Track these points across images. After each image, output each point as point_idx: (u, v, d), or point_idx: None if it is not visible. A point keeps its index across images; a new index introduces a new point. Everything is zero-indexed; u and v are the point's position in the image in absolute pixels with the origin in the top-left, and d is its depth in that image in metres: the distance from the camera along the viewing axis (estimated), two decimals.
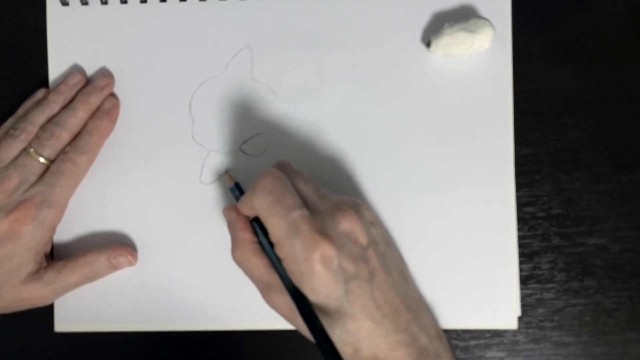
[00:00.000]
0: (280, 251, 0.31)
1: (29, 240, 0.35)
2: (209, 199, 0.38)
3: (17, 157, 0.36)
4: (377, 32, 0.38)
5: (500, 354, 0.38)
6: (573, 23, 0.39)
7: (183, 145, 0.39)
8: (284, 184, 0.31)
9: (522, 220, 0.38)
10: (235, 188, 0.36)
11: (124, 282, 0.38)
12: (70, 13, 0.40)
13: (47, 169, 0.36)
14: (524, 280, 0.38)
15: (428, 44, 0.37)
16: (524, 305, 0.38)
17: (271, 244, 0.32)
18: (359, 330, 0.30)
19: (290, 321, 0.32)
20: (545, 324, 0.38)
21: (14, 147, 0.36)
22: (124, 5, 0.39)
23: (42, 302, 0.37)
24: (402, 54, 0.38)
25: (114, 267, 0.37)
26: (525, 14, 0.39)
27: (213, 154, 0.38)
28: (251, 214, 0.33)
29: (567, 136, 0.38)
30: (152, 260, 0.38)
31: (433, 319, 0.35)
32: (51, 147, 0.36)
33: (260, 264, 0.32)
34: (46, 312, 0.38)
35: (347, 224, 0.31)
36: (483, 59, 0.38)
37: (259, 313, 0.37)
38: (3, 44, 0.40)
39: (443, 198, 0.37)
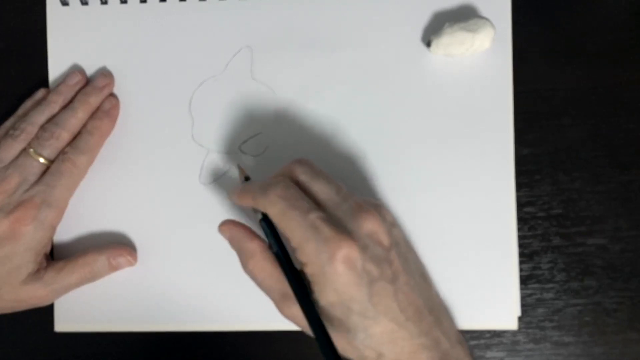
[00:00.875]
0: (302, 256, 0.30)
1: (29, 241, 0.35)
2: (208, 199, 0.38)
3: (17, 157, 0.36)
4: (377, 32, 0.38)
5: (500, 354, 0.38)
6: (573, 23, 0.39)
7: (183, 145, 0.39)
8: (296, 190, 0.31)
9: (522, 220, 0.38)
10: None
11: (123, 282, 0.38)
12: (70, 13, 0.40)
13: (47, 169, 0.36)
14: (524, 280, 0.38)
15: (428, 44, 0.37)
16: (524, 305, 0.38)
17: (281, 247, 0.31)
18: (382, 333, 0.30)
19: (309, 332, 0.31)
20: (545, 324, 0.38)
21: (14, 147, 0.36)
22: (124, 5, 0.39)
23: (42, 302, 0.37)
24: (402, 54, 0.38)
25: (114, 268, 0.37)
26: (525, 14, 0.39)
27: (213, 154, 0.38)
28: (248, 200, 0.32)
29: (567, 136, 0.38)
30: (152, 260, 0.38)
31: (453, 323, 0.34)
32: (51, 147, 0.36)
33: (276, 272, 0.32)
34: (46, 312, 0.38)
35: (370, 225, 0.30)
36: (483, 59, 0.38)
37: (259, 313, 0.37)
38: (3, 44, 0.40)
39: (443, 198, 0.37)
